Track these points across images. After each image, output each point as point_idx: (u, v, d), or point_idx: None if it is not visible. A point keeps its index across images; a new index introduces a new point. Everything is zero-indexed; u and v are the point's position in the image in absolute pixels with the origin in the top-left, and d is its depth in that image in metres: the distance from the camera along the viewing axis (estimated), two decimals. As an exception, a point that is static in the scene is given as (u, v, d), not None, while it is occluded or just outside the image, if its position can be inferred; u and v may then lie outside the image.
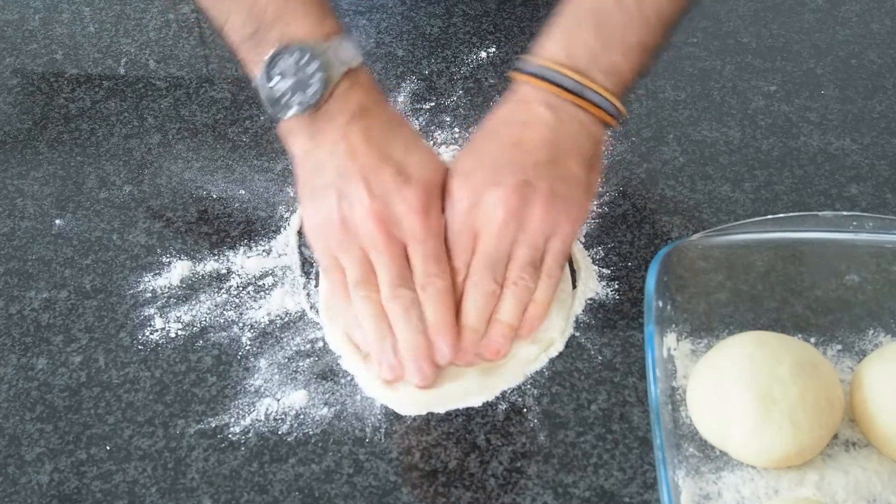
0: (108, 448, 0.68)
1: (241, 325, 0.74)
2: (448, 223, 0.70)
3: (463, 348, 0.68)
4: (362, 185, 0.69)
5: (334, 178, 0.70)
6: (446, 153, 0.85)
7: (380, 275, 0.69)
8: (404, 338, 0.67)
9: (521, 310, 0.69)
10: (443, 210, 0.70)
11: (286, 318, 0.75)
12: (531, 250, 0.69)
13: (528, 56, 0.73)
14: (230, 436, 0.68)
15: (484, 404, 0.69)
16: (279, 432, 0.68)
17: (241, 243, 0.80)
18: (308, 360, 0.72)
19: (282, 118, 0.71)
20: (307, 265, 0.78)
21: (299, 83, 0.69)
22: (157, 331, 0.74)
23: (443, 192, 0.71)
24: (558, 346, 0.72)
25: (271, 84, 0.70)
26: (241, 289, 0.77)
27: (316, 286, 0.76)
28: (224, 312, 0.75)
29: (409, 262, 0.69)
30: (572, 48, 0.71)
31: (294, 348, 0.73)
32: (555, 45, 0.72)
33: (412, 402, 0.68)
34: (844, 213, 0.76)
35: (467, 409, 0.69)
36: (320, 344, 0.73)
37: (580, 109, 0.71)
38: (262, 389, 0.70)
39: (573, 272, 0.76)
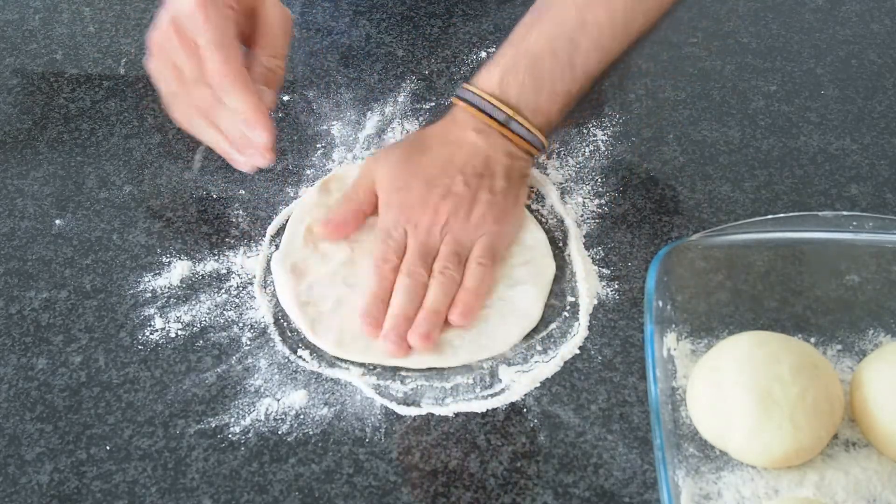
0: (108, 448, 0.68)
1: (241, 325, 0.74)
2: (381, 226, 0.77)
3: (394, 333, 0.71)
4: None
5: None
6: None
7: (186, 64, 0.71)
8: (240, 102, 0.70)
9: (448, 297, 0.73)
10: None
11: (286, 318, 0.75)
12: (456, 245, 0.75)
13: (468, 84, 0.80)
14: (230, 436, 0.68)
15: (484, 405, 0.69)
16: (279, 432, 0.68)
17: (241, 243, 0.80)
18: (308, 360, 0.72)
19: None
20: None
21: None
22: (157, 331, 0.74)
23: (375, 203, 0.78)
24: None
25: None
26: (241, 289, 0.77)
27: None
28: (224, 312, 0.75)
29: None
30: (506, 85, 0.78)
31: (294, 348, 0.73)
32: (492, 79, 0.79)
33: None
34: (844, 213, 0.76)
35: (468, 409, 0.69)
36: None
37: (506, 139, 0.79)
38: (262, 389, 0.70)
39: (568, 271, 0.77)
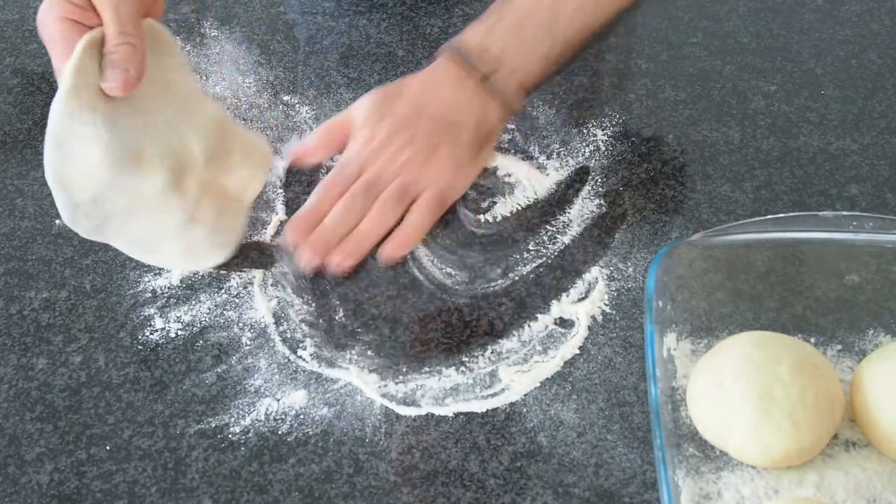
0: (108, 448, 0.68)
1: (241, 325, 0.74)
2: (342, 158, 0.80)
3: (320, 244, 0.76)
4: None
5: None
6: None
7: None
8: None
9: (381, 228, 0.77)
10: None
11: (286, 318, 0.75)
12: (405, 185, 0.78)
13: (455, 38, 0.83)
14: (230, 436, 0.68)
15: (484, 405, 0.69)
16: (279, 432, 0.68)
17: (241, 243, 0.80)
18: (308, 360, 0.72)
19: None
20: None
21: None
22: (157, 331, 0.74)
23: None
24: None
25: None
26: (241, 289, 0.77)
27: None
28: (224, 312, 0.75)
29: None
30: (490, 41, 0.81)
31: (294, 348, 0.73)
32: (477, 34, 0.82)
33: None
34: (844, 213, 0.76)
35: (468, 409, 0.69)
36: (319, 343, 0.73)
37: (483, 94, 0.81)
38: (262, 389, 0.70)
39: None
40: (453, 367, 0.72)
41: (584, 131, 0.87)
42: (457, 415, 0.69)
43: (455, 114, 0.80)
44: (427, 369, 0.72)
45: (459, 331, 0.74)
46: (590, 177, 0.83)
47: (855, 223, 0.72)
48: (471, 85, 0.80)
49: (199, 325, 0.74)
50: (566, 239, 0.79)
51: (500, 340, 0.73)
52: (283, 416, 0.69)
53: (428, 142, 0.79)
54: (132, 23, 0.65)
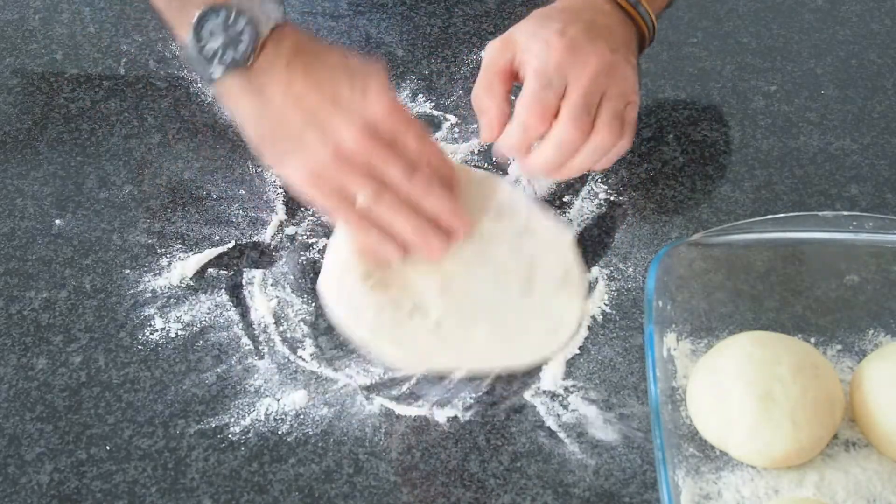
0: (108, 448, 0.68)
1: (241, 325, 0.74)
2: (539, 68, 0.73)
3: (535, 162, 0.73)
4: (335, 111, 0.70)
5: (305, 121, 0.70)
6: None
7: (391, 174, 0.70)
8: (440, 205, 0.71)
9: (601, 154, 0.73)
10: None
11: (286, 318, 0.75)
12: (618, 105, 0.73)
13: None
14: (230, 436, 0.68)
15: (484, 405, 0.69)
16: (279, 432, 0.68)
17: (242, 243, 0.80)
18: (308, 360, 0.72)
19: (216, 78, 0.71)
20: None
21: (230, 41, 0.70)
22: (157, 331, 0.74)
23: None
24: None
25: (202, 44, 0.70)
26: (241, 289, 0.77)
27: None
28: (224, 312, 0.75)
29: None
30: None
31: (294, 348, 0.73)
32: None
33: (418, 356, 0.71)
34: (844, 213, 0.76)
35: (468, 409, 0.69)
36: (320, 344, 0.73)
37: (633, 19, 0.78)
38: (262, 389, 0.70)
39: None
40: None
41: (584, 131, 0.87)
42: (457, 415, 0.69)
43: (621, 35, 0.76)
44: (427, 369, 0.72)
45: (459, 331, 0.74)
46: (590, 177, 0.83)
47: (855, 223, 0.72)
48: (623, 7, 0.77)
49: (199, 325, 0.74)
50: (566, 239, 0.79)
51: (500, 340, 0.73)
52: (283, 416, 0.69)
53: (615, 56, 0.73)
54: None
